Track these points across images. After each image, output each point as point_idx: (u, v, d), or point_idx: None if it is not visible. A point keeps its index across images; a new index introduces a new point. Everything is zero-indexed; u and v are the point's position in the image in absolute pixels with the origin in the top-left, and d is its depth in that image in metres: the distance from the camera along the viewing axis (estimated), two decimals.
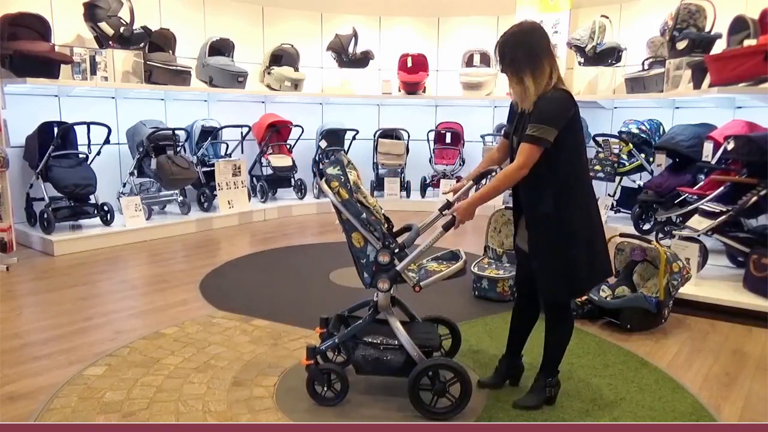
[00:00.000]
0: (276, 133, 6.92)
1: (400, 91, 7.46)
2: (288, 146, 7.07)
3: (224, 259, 4.88)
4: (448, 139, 7.48)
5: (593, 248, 2.38)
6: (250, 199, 6.53)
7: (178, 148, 5.82)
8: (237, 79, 6.54)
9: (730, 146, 3.98)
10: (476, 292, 3.91)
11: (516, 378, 2.70)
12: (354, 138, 7.29)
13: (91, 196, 5.23)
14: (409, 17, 7.76)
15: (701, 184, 4.48)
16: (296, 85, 7.14)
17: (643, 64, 5.95)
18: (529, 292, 2.55)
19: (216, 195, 6.18)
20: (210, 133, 6.37)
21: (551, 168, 2.27)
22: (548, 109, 2.23)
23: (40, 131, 5.03)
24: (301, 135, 7.10)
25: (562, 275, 2.36)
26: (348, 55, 7.38)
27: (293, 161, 6.91)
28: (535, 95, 2.25)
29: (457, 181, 7.18)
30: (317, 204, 7.01)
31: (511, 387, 2.67)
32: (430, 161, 7.27)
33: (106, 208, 5.31)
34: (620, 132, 5.79)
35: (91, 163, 5.27)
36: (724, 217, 3.76)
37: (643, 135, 5.65)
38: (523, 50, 2.24)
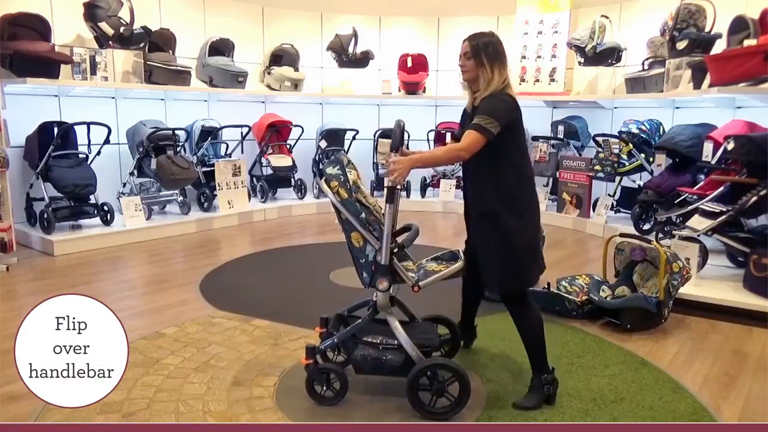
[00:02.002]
0: (276, 133, 6.92)
1: (400, 91, 7.46)
2: (288, 146, 7.07)
3: (224, 259, 4.88)
4: (448, 139, 7.46)
5: (535, 246, 2.58)
6: (250, 199, 6.53)
7: (178, 148, 5.82)
8: (237, 79, 6.54)
9: (730, 146, 3.97)
10: None
11: (468, 343, 3.05)
12: (354, 138, 7.29)
13: (91, 196, 5.24)
14: (409, 17, 7.76)
15: (701, 184, 4.48)
16: (296, 85, 7.14)
17: (643, 64, 5.95)
18: (474, 266, 2.63)
19: (216, 195, 6.18)
20: (210, 133, 6.37)
21: (494, 169, 2.46)
22: (495, 105, 2.42)
23: (40, 131, 5.03)
24: (301, 135, 7.10)
25: (506, 268, 2.49)
26: (348, 55, 7.38)
27: (293, 161, 6.90)
28: (495, 88, 2.46)
29: (457, 181, 7.21)
30: (317, 204, 7.01)
31: (510, 386, 2.67)
32: None
33: (106, 208, 5.31)
34: (620, 132, 5.79)
35: (91, 163, 5.28)
36: (724, 217, 3.76)
37: (643, 135, 5.65)
38: (495, 48, 2.50)
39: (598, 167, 5.87)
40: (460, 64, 2.56)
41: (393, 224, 2.57)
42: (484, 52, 2.47)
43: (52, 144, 4.97)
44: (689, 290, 3.66)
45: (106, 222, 5.31)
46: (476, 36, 2.53)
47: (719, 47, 4.91)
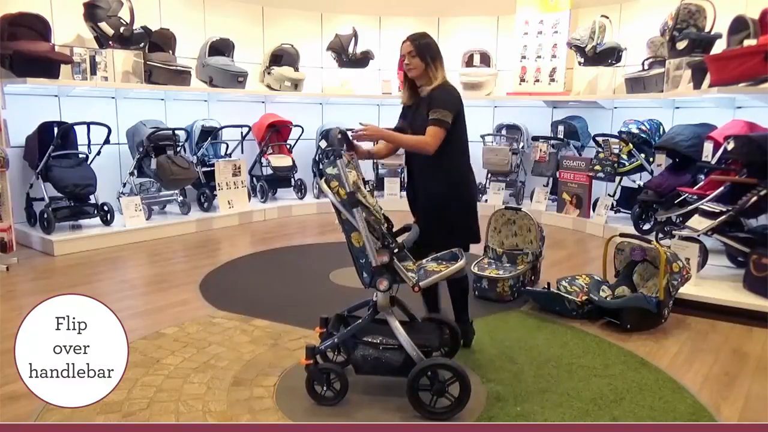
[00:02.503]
0: (276, 133, 6.92)
1: (400, 91, 7.44)
2: (288, 146, 7.07)
3: (224, 259, 4.88)
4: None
5: (473, 216, 2.91)
6: (250, 199, 6.53)
7: (178, 148, 5.82)
8: (237, 79, 6.54)
9: (730, 146, 3.97)
10: (476, 292, 3.91)
11: (468, 342, 3.06)
12: None
13: (91, 196, 5.24)
14: (409, 17, 7.75)
15: (701, 184, 4.47)
16: (296, 85, 7.14)
17: (643, 64, 5.95)
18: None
19: (216, 195, 6.18)
20: (210, 133, 6.37)
21: (441, 155, 2.73)
22: (445, 96, 2.74)
23: (40, 131, 5.03)
24: (301, 135, 7.11)
25: (449, 236, 2.77)
26: (348, 55, 7.38)
27: (293, 161, 6.91)
28: (437, 81, 2.77)
29: None
30: (317, 204, 7.01)
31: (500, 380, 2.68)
32: None
33: (106, 208, 5.30)
34: (620, 132, 5.79)
35: (91, 163, 5.28)
36: (724, 217, 3.76)
37: (643, 135, 5.65)
38: (435, 46, 2.84)
39: (598, 167, 5.87)
40: (406, 62, 2.81)
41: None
42: (427, 51, 2.78)
43: (52, 144, 4.97)
44: (689, 290, 3.65)
45: (106, 222, 5.31)
46: (416, 36, 2.83)
47: (719, 47, 4.91)
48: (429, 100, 2.76)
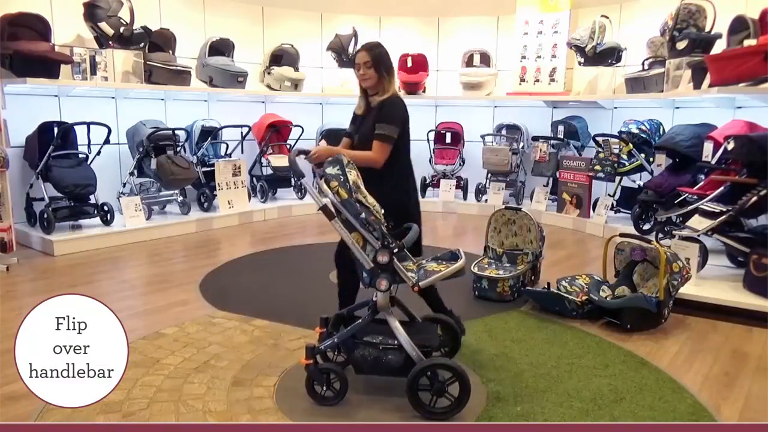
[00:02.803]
0: (276, 133, 6.93)
1: (400, 90, 7.43)
2: (288, 146, 7.07)
3: (224, 259, 4.88)
4: (448, 139, 7.48)
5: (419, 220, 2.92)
6: (250, 199, 6.53)
7: (178, 148, 5.82)
8: (237, 79, 6.54)
9: (730, 146, 3.97)
10: (476, 292, 3.91)
11: (461, 328, 2.99)
12: None
13: (91, 196, 5.24)
14: (409, 17, 7.76)
15: (701, 184, 4.48)
16: (296, 85, 7.14)
17: (643, 64, 5.95)
18: (347, 263, 2.79)
19: (216, 195, 6.18)
20: (210, 133, 6.38)
21: (389, 163, 2.79)
22: (393, 111, 2.79)
23: (40, 131, 5.03)
24: (301, 135, 7.10)
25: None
26: (348, 55, 7.37)
27: None
28: (388, 93, 2.81)
29: (458, 181, 7.21)
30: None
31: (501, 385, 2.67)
32: (430, 161, 7.26)
33: (106, 208, 5.31)
34: (620, 132, 5.79)
35: (91, 163, 5.27)
36: (724, 217, 3.76)
37: (643, 135, 5.65)
38: (388, 59, 2.86)
39: (598, 167, 5.87)
40: (361, 73, 2.81)
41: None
42: (382, 61, 2.79)
43: (52, 144, 4.97)
44: (689, 290, 3.65)
45: (106, 222, 5.31)
46: (371, 46, 2.85)
47: (719, 47, 4.91)
48: (378, 110, 2.80)
